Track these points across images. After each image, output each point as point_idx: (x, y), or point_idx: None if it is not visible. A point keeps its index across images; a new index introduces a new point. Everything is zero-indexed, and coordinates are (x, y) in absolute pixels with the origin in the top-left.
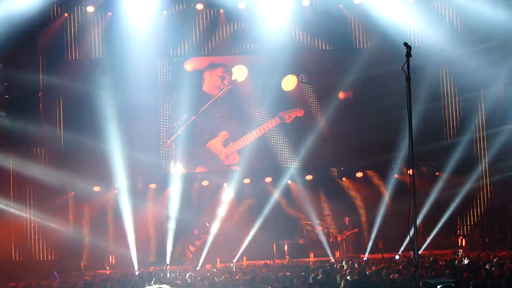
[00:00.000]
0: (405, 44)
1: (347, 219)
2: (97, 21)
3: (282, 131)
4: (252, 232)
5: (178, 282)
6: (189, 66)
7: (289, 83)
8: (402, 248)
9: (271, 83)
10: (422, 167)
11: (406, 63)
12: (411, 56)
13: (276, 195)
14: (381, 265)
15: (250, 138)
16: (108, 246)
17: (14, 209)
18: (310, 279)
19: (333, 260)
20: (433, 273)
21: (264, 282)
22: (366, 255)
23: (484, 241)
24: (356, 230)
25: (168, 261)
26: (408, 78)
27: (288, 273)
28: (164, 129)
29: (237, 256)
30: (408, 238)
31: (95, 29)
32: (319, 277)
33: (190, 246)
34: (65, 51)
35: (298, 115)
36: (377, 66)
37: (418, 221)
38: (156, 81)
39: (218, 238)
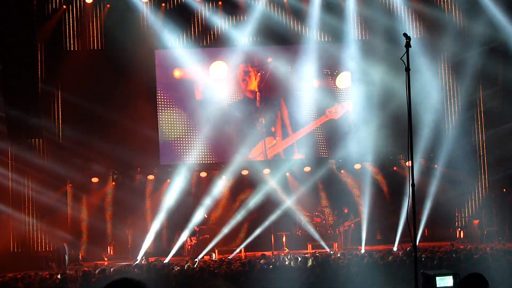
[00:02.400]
0: (405, 34)
1: (346, 210)
2: (96, 13)
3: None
4: (250, 224)
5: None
6: (178, 73)
7: (344, 80)
8: (396, 240)
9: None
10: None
11: (406, 54)
12: (410, 46)
13: (274, 186)
14: (379, 257)
15: (296, 137)
16: (106, 237)
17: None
18: (307, 269)
19: (331, 252)
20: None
21: (261, 273)
22: (363, 246)
23: (482, 233)
24: (358, 219)
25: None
26: (407, 69)
27: (285, 263)
28: (164, 120)
29: (239, 249)
30: (400, 230)
31: (94, 20)
32: (316, 268)
33: (188, 239)
34: (64, 42)
35: (348, 110)
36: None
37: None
38: (153, 73)
39: (217, 230)
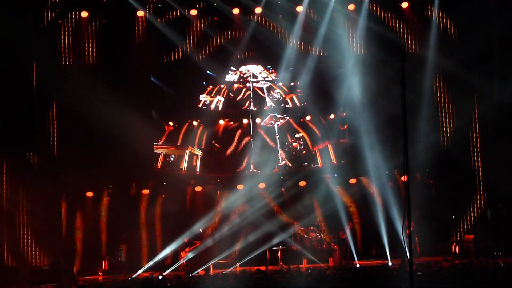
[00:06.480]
0: (400, 48)
1: (351, 224)
2: (91, 27)
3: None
4: (245, 239)
5: None
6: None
7: None
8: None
9: None
10: (416, 174)
11: (401, 68)
12: (406, 61)
13: (269, 201)
14: (374, 272)
15: None
16: (101, 251)
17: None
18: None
19: (326, 267)
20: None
21: None
22: (357, 262)
23: (477, 248)
24: (359, 221)
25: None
26: (403, 83)
27: (281, 279)
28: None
29: (238, 263)
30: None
31: (89, 34)
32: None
33: (182, 253)
34: (60, 57)
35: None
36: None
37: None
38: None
39: (212, 244)
